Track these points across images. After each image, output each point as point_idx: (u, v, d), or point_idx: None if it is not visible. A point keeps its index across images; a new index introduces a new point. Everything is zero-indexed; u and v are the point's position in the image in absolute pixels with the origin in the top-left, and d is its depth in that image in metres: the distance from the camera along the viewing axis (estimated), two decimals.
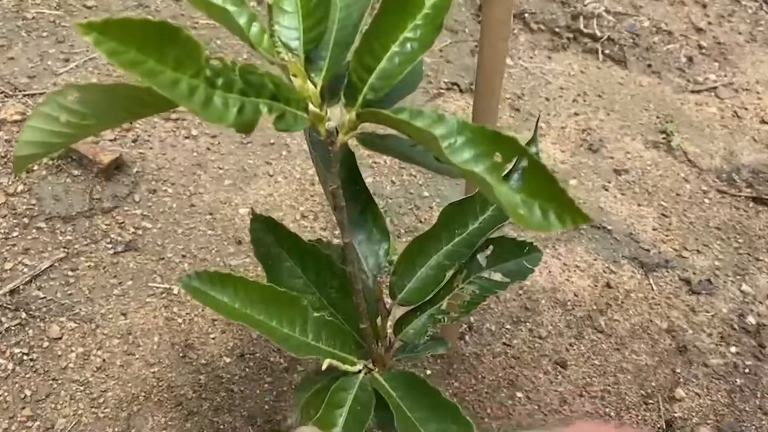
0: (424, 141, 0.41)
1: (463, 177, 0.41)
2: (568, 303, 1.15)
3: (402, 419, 0.54)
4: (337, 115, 0.48)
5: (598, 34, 1.72)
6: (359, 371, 0.58)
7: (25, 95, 1.29)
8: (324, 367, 0.54)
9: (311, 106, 0.45)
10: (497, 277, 0.66)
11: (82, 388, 0.94)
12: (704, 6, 1.90)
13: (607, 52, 1.71)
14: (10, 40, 1.39)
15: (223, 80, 0.40)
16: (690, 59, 1.73)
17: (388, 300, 0.64)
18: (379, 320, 0.64)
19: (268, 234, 0.61)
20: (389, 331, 0.65)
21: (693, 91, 1.65)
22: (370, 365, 0.60)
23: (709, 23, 1.85)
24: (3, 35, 1.40)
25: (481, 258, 0.67)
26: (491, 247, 0.67)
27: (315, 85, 0.46)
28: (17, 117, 1.23)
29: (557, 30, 1.74)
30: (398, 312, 0.67)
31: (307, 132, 0.62)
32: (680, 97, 1.63)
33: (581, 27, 1.73)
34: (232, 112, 0.39)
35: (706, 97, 1.64)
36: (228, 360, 1.00)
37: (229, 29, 0.44)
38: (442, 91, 1.51)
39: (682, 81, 1.67)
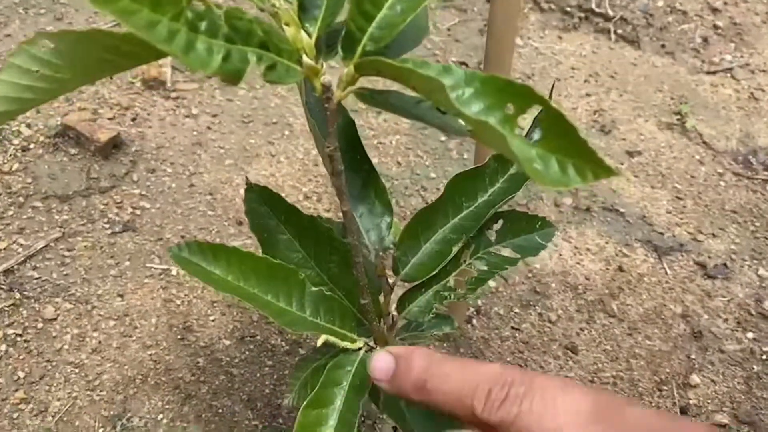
0: (430, 92, 0.37)
1: (473, 132, 0.38)
2: (579, 287, 1.12)
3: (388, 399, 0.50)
4: (335, 73, 0.45)
5: (611, 13, 1.68)
6: (359, 349, 0.54)
7: None
8: (319, 343, 0.51)
9: (305, 58, 0.41)
10: (507, 252, 0.63)
11: (77, 370, 0.91)
12: None
13: (619, 32, 1.66)
14: (7, 17, 1.36)
15: (207, 24, 0.36)
16: (705, 40, 1.68)
17: (391, 276, 0.61)
18: (381, 297, 0.60)
19: (263, 205, 0.57)
20: (392, 308, 0.61)
21: (708, 72, 1.60)
22: (372, 343, 0.56)
23: (725, 3, 1.79)
24: (0, 12, 1.37)
25: (489, 233, 0.63)
26: (501, 221, 0.63)
27: (309, 35, 0.43)
28: None
29: (568, 9, 1.69)
30: (402, 290, 0.64)
31: (304, 93, 0.58)
32: (695, 78, 1.58)
33: (593, 6, 1.68)
34: (216, 59, 0.36)
35: (721, 79, 1.59)
36: (228, 343, 0.97)
37: None
38: None
39: (697, 62, 1.63)
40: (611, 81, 1.54)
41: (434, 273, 0.59)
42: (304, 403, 0.47)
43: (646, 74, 1.57)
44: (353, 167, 0.60)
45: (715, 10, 1.77)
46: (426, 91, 0.38)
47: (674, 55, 1.64)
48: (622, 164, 1.35)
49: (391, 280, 0.61)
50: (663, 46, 1.65)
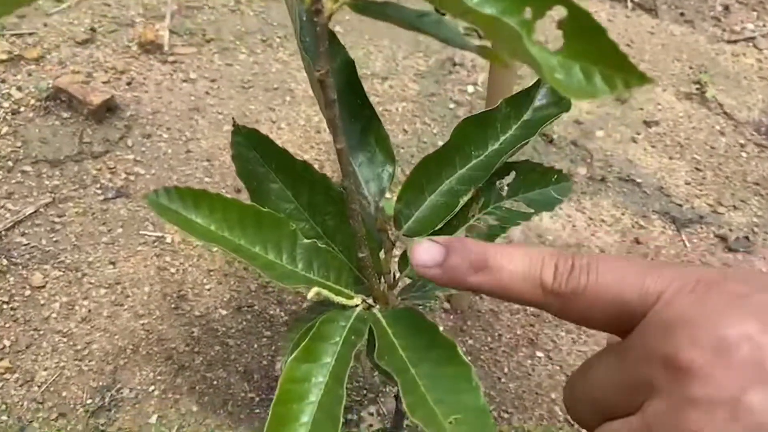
0: None
1: (487, 35, 0.32)
2: None
3: (392, 356, 0.45)
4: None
5: None
6: (356, 306, 0.49)
7: (13, 35, 1.21)
8: (310, 295, 0.46)
9: None
10: (519, 207, 0.57)
11: (65, 339, 0.87)
12: None
13: (636, 0, 1.59)
14: None
15: None
16: (726, 8, 1.61)
17: (392, 231, 0.56)
18: (382, 254, 0.55)
19: (251, 150, 0.52)
20: (394, 266, 0.56)
21: (729, 41, 1.53)
22: (371, 301, 0.51)
23: None
24: None
25: (500, 185, 0.58)
26: (513, 172, 0.58)
27: None
28: (4, 57, 1.15)
29: None
30: (404, 246, 0.59)
31: (297, 26, 0.52)
32: (715, 48, 1.52)
33: None
34: None
35: (743, 48, 1.52)
36: (224, 312, 0.92)
37: None
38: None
39: (717, 30, 1.56)
40: (627, 49, 1.48)
41: (439, 227, 0.54)
42: (292, 355, 0.42)
43: (664, 43, 1.51)
44: (352, 112, 0.55)
45: None
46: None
47: (693, 24, 1.57)
48: (638, 134, 1.29)
49: (392, 235, 0.56)
50: (682, 14, 1.58)
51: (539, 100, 0.57)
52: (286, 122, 1.18)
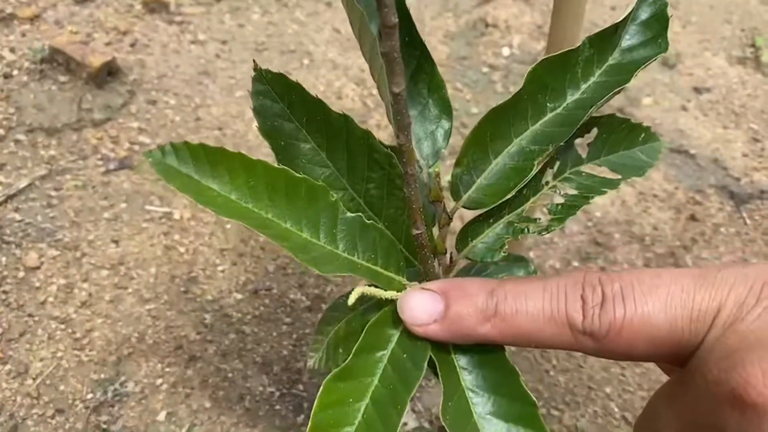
0: None
1: None
2: (647, 238, 0.96)
3: (449, 382, 0.35)
4: None
5: None
6: None
7: None
8: (352, 300, 0.36)
9: None
10: (603, 172, 0.47)
11: (63, 326, 0.78)
12: None
13: None
14: None
15: None
16: None
17: (449, 202, 0.46)
18: (435, 230, 0.45)
19: (277, 101, 0.42)
20: (450, 245, 0.46)
21: None
22: None
23: None
24: None
25: (580, 146, 0.48)
26: (595, 130, 0.47)
27: None
28: None
29: None
30: (462, 220, 0.48)
31: None
32: (767, 8, 1.40)
33: None
34: None
35: None
36: (239, 297, 0.83)
37: None
38: None
39: None
40: (672, 10, 1.36)
41: (507, 198, 0.44)
42: (331, 374, 0.32)
43: (713, 4, 1.39)
44: (402, 52, 0.44)
45: None
46: None
47: None
48: (689, 102, 1.18)
49: (449, 208, 0.45)
50: None
51: (628, 39, 0.46)
52: (305, 87, 1.08)
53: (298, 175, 0.39)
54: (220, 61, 1.08)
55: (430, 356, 0.36)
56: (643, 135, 0.48)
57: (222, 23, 1.15)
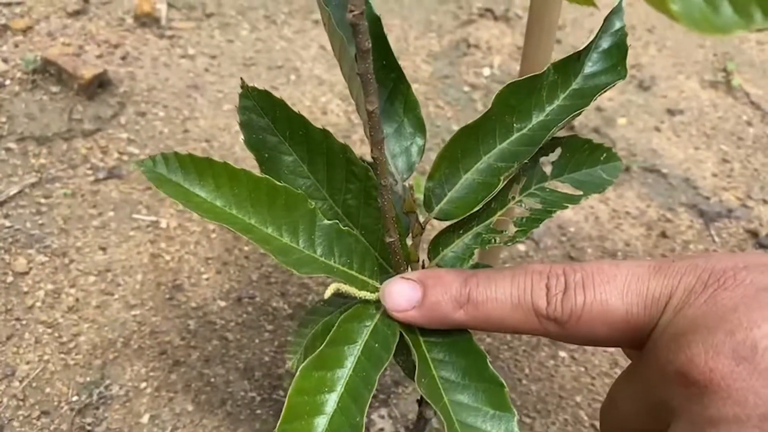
0: None
1: None
2: (619, 253, 1.00)
3: (424, 370, 0.38)
4: None
5: None
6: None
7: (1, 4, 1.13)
8: (328, 293, 0.39)
9: None
10: (566, 188, 0.51)
11: (50, 330, 0.80)
12: None
13: None
14: None
15: None
16: None
17: (421, 213, 0.49)
18: (409, 239, 0.48)
19: (263, 116, 0.45)
20: (422, 253, 0.49)
21: (755, 30, 1.46)
22: None
23: None
24: None
25: (545, 163, 0.51)
26: (559, 149, 0.51)
27: None
28: None
29: None
30: (435, 231, 0.52)
31: None
32: (739, 35, 1.45)
33: None
34: None
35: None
36: (223, 304, 0.85)
37: None
38: (474, 17, 1.33)
39: None
40: (649, 35, 1.41)
41: (476, 210, 0.47)
42: (305, 362, 0.35)
43: (687, 30, 1.44)
44: (376, 75, 0.47)
45: None
46: None
47: None
48: (662, 123, 1.22)
49: (421, 218, 0.49)
50: None
51: (590, 66, 0.50)
52: (291, 102, 1.10)
53: (278, 183, 0.42)
54: (208, 75, 1.11)
55: (404, 340, 0.39)
56: (604, 155, 0.52)
57: (212, 38, 1.18)
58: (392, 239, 0.43)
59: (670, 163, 1.15)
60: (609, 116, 1.21)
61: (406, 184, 0.48)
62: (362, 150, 1.07)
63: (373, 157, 0.39)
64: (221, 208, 0.41)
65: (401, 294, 0.36)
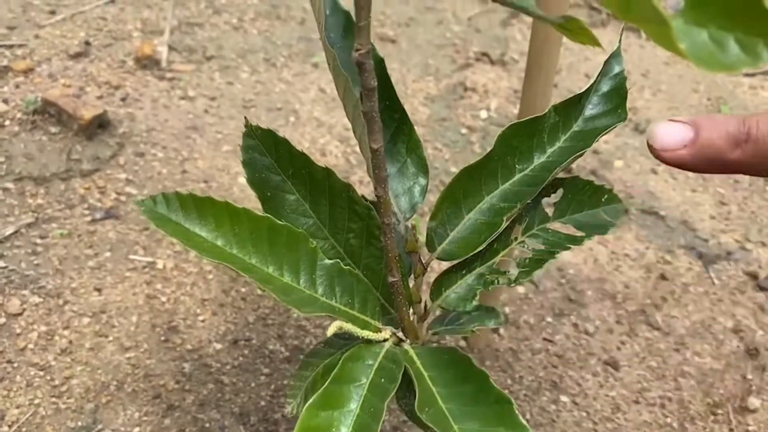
0: None
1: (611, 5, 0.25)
2: (618, 295, 0.99)
3: (431, 405, 0.37)
4: None
5: None
6: (385, 340, 0.42)
7: (2, 46, 1.14)
8: (331, 332, 0.38)
9: None
10: (568, 229, 0.50)
11: (42, 373, 0.78)
12: None
13: None
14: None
15: None
16: None
17: (424, 254, 0.48)
18: (411, 280, 0.48)
19: (265, 155, 0.45)
20: (424, 294, 0.49)
21: (746, 74, 1.49)
22: (401, 335, 0.44)
23: None
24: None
25: (546, 204, 0.51)
26: (561, 190, 0.51)
27: None
28: None
29: (596, 5, 1.58)
30: (434, 271, 0.51)
31: (322, 22, 0.46)
32: (732, 80, 1.47)
33: None
34: None
35: (761, 81, 1.48)
36: (218, 347, 0.84)
37: None
38: (470, 61, 1.35)
39: None
40: (643, 80, 1.43)
41: (479, 250, 0.47)
42: (310, 400, 0.34)
43: (680, 74, 1.46)
44: (381, 116, 0.48)
45: None
46: None
47: None
48: (659, 165, 1.23)
49: (423, 258, 0.48)
50: None
51: (590, 108, 0.50)
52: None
53: (280, 222, 0.41)
54: (208, 117, 1.12)
55: (406, 371, 0.38)
56: (606, 196, 0.52)
57: (211, 80, 1.19)
58: (395, 279, 0.42)
59: (667, 206, 1.15)
60: (606, 159, 1.22)
61: (409, 224, 0.48)
62: (361, 190, 1.07)
63: (377, 196, 0.39)
64: (222, 247, 0.40)
65: (671, 133, 0.34)
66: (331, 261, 0.42)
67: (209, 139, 1.09)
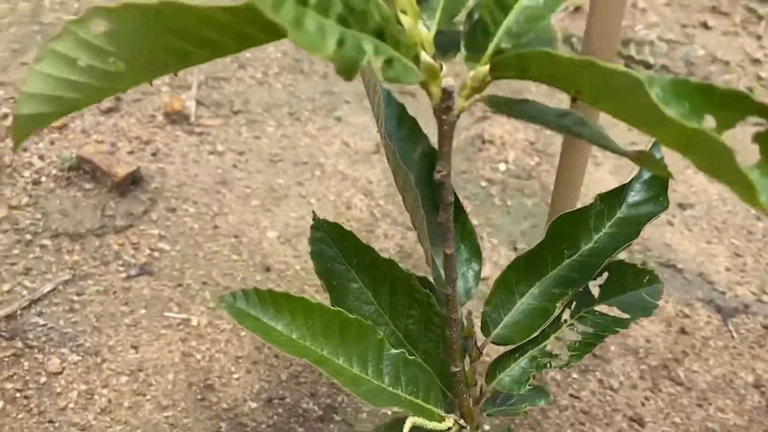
0: (614, 93, 0.28)
1: (678, 148, 0.28)
2: (640, 350, 1.01)
3: None
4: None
5: (651, 61, 1.61)
6: (448, 429, 0.44)
7: None
8: (407, 429, 0.40)
9: (424, 56, 0.32)
10: (613, 311, 0.53)
11: None
12: (758, 37, 1.80)
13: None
14: (24, 45, 1.29)
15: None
16: (750, 90, 1.61)
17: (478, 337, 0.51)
18: (467, 363, 0.50)
19: (332, 246, 0.48)
20: (479, 377, 0.51)
21: (755, 124, 1.52)
22: (461, 421, 0.46)
23: (765, 54, 1.73)
24: (17, 39, 1.29)
25: (592, 287, 0.53)
26: (606, 273, 0.53)
27: (427, 28, 0.34)
28: None
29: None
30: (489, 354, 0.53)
31: (382, 118, 0.49)
32: (743, 130, 1.50)
33: (633, 54, 1.62)
34: (330, 42, 0.27)
35: None
36: (253, 405, 0.85)
37: None
38: (487, 113, 1.39)
39: None
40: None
41: (534, 335, 0.49)
42: None
43: None
44: (434, 203, 0.50)
45: (756, 61, 1.71)
46: (605, 93, 0.29)
47: None
48: (674, 217, 1.25)
49: (478, 342, 0.50)
50: None
51: (633, 195, 0.53)
52: (316, 197, 1.14)
53: (351, 316, 0.44)
54: (236, 171, 1.15)
55: None
56: (647, 278, 0.54)
57: (239, 135, 1.22)
58: (458, 369, 0.44)
59: (684, 258, 1.18)
60: None
61: (464, 310, 0.50)
62: (385, 244, 1.09)
63: (446, 294, 0.41)
64: (296, 341, 0.43)
65: None
66: (396, 351, 0.44)
67: (238, 194, 1.11)
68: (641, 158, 0.31)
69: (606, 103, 0.29)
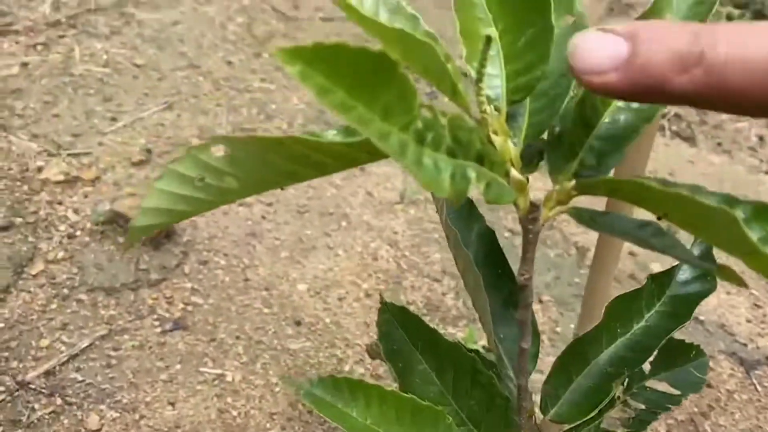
0: (706, 225, 0.30)
1: (762, 271, 0.30)
2: None
3: None
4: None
5: (664, 109, 1.65)
6: None
7: (69, 154, 1.20)
8: None
9: (513, 172, 0.35)
10: (663, 387, 0.54)
11: None
12: None
13: (674, 128, 1.63)
14: (56, 97, 1.31)
15: (433, 135, 0.30)
16: (761, 138, 1.64)
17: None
18: None
19: (398, 329, 0.49)
20: None
21: (767, 172, 1.56)
22: None
23: None
24: (48, 91, 1.32)
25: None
26: (656, 350, 0.55)
27: (514, 144, 0.36)
28: (60, 177, 1.14)
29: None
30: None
31: (442, 206, 0.51)
32: (755, 178, 1.54)
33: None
34: (444, 177, 0.29)
35: None
36: None
37: (420, 68, 0.34)
38: None
39: (755, 161, 1.58)
40: (670, 178, 1.49)
41: (593, 413, 0.51)
42: None
43: (704, 172, 1.53)
44: (492, 282, 0.52)
45: None
46: (694, 221, 0.31)
47: (731, 154, 1.59)
48: None
49: (538, 422, 0.52)
50: (719, 144, 1.61)
51: (682, 273, 0.55)
52: (343, 249, 1.16)
53: (423, 403, 0.45)
54: (265, 223, 1.17)
55: None
56: (693, 353, 0.56)
57: None
58: None
59: (705, 309, 1.19)
60: (642, 261, 1.26)
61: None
62: (412, 296, 1.11)
63: (518, 384, 0.43)
64: (371, 426, 0.44)
65: (600, 49, 0.25)
66: (461, 430, 0.46)
67: (268, 245, 1.13)
68: (721, 272, 0.33)
69: (695, 229, 0.31)
